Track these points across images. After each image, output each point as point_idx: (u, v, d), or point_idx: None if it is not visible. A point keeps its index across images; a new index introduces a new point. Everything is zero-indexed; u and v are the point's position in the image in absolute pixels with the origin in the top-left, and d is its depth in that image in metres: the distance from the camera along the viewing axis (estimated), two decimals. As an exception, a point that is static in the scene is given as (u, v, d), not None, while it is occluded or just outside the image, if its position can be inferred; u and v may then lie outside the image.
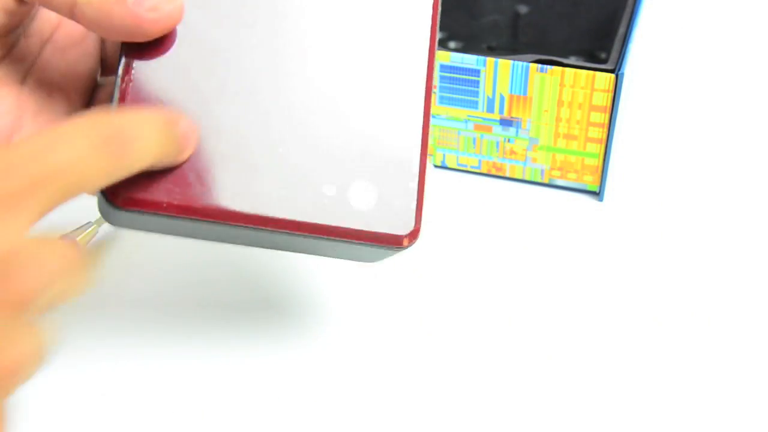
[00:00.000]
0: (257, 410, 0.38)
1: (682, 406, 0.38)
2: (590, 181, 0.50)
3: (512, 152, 0.50)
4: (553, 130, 0.49)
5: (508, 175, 0.52)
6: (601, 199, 0.50)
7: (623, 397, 0.38)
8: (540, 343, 0.41)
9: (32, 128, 0.34)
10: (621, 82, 0.46)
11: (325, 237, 0.33)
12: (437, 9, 0.35)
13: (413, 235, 0.34)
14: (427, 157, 0.35)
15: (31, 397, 0.39)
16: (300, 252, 0.36)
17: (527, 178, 0.51)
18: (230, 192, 0.32)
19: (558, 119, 0.48)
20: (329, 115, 0.34)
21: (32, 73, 0.35)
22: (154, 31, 0.32)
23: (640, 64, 0.59)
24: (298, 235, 0.33)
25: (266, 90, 0.33)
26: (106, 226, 0.48)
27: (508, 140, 0.50)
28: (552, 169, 0.50)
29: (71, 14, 0.31)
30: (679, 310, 0.43)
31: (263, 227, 0.33)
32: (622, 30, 0.50)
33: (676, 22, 0.66)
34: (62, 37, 0.36)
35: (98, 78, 0.37)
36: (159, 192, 0.31)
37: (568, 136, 0.49)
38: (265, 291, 0.44)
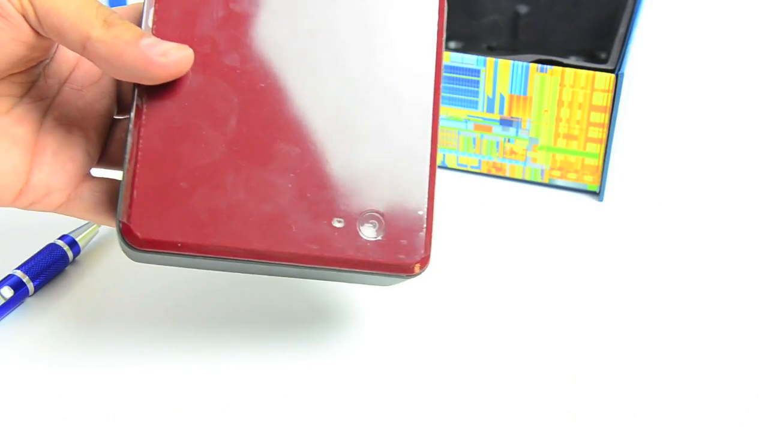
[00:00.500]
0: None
1: (681, 405, 0.38)
2: (590, 181, 0.50)
3: (512, 152, 0.50)
4: (553, 130, 0.49)
5: (508, 175, 0.52)
6: (601, 199, 0.50)
7: (623, 397, 0.38)
8: (540, 343, 0.41)
9: (53, 167, 0.35)
10: (621, 82, 0.46)
11: (337, 268, 0.34)
12: (442, 33, 0.36)
13: (424, 262, 0.34)
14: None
15: (40, 400, 0.39)
16: (314, 279, 0.37)
17: (527, 178, 0.51)
18: (242, 228, 0.33)
19: (558, 119, 0.48)
20: (336, 146, 0.34)
21: (51, 112, 0.36)
22: (162, 76, 0.33)
23: (640, 64, 0.59)
24: (311, 267, 0.34)
25: (273, 125, 0.34)
26: (106, 227, 0.48)
27: (508, 140, 0.50)
28: (552, 169, 0.50)
29: (83, 50, 0.32)
30: (679, 310, 0.43)
31: (276, 262, 0.33)
32: (622, 30, 0.50)
33: (676, 22, 0.66)
34: (80, 76, 0.37)
35: (115, 115, 0.38)
36: (174, 232, 0.33)
37: (568, 136, 0.49)
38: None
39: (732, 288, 0.44)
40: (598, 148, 0.49)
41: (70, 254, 0.45)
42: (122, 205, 0.33)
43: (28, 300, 0.43)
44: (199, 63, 0.34)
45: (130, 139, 0.33)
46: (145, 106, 0.33)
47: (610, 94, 0.47)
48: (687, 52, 0.63)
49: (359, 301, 0.43)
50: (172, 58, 0.33)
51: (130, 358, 0.40)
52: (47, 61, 0.36)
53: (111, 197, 0.36)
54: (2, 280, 0.42)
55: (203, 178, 0.33)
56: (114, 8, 0.35)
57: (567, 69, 0.47)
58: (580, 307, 0.43)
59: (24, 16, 0.32)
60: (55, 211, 0.36)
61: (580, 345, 0.41)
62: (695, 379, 0.39)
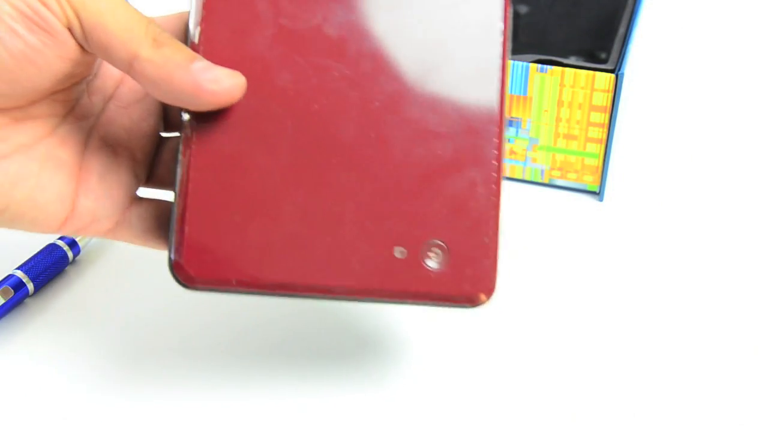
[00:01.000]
0: None
1: (681, 405, 0.38)
2: (590, 181, 0.50)
3: (512, 152, 0.50)
4: (553, 130, 0.49)
5: (508, 175, 0.52)
6: (601, 199, 0.50)
7: (623, 397, 0.38)
8: (540, 343, 0.41)
9: (99, 192, 0.33)
10: (621, 82, 0.46)
11: (399, 301, 0.32)
12: (506, 52, 0.33)
13: (490, 291, 0.33)
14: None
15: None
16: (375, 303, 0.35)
17: (527, 178, 0.51)
18: (299, 263, 0.31)
19: (558, 119, 0.48)
20: (395, 172, 0.32)
21: (96, 132, 0.34)
22: (211, 104, 0.31)
23: (640, 64, 0.59)
24: (371, 299, 0.32)
25: (329, 149, 0.32)
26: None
27: (508, 140, 0.50)
28: (552, 169, 0.50)
29: (130, 69, 0.30)
30: (679, 310, 0.43)
31: (334, 296, 0.32)
32: (622, 30, 0.50)
33: (676, 22, 0.66)
34: (125, 93, 0.35)
35: (162, 133, 0.36)
36: (228, 269, 0.31)
37: (568, 136, 0.49)
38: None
39: (732, 288, 0.44)
40: (598, 148, 0.49)
41: (70, 254, 0.45)
42: (173, 240, 0.31)
43: (28, 300, 0.43)
44: (250, 85, 0.31)
45: (179, 170, 0.31)
46: (194, 134, 0.31)
47: (610, 94, 0.47)
48: (687, 52, 0.63)
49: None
50: (223, 85, 0.30)
51: (130, 359, 0.40)
52: (91, 77, 0.34)
53: (160, 223, 0.34)
54: (2, 280, 0.42)
55: (256, 210, 0.31)
56: (159, 18, 0.33)
57: (567, 69, 0.47)
58: (581, 307, 0.43)
59: (69, 30, 0.29)
60: (102, 236, 0.34)
61: (580, 345, 0.41)
62: (695, 378, 0.39)
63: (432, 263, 0.32)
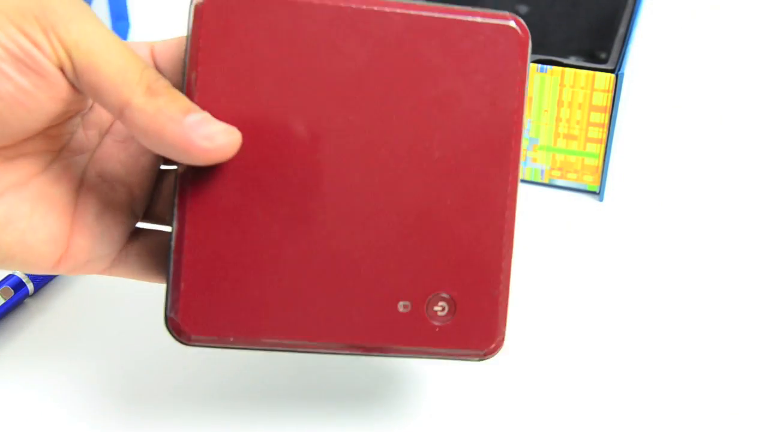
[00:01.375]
0: None
1: (681, 405, 0.38)
2: (590, 181, 0.50)
3: (512, 152, 0.50)
4: (553, 130, 0.49)
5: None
6: (601, 199, 0.50)
7: (623, 397, 0.38)
8: (540, 343, 0.41)
9: (94, 231, 0.31)
10: (621, 82, 0.46)
11: (403, 355, 0.32)
12: (522, 105, 0.32)
13: (498, 345, 0.32)
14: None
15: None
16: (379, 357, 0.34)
17: (527, 178, 0.51)
18: (299, 320, 0.31)
19: (558, 119, 0.48)
20: (400, 223, 0.31)
21: (91, 167, 0.32)
22: (202, 161, 0.29)
23: (640, 64, 0.59)
24: (374, 354, 0.31)
25: (329, 202, 0.31)
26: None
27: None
28: (552, 169, 0.50)
29: (120, 116, 0.28)
30: (679, 310, 0.43)
31: (335, 352, 0.31)
32: (622, 30, 0.50)
33: (676, 22, 0.66)
34: (122, 127, 0.33)
35: (162, 166, 0.34)
36: (225, 327, 0.30)
37: (568, 136, 0.49)
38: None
39: (732, 288, 0.44)
40: (598, 148, 0.49)
41: (70, 254, 0.45)
42: (168, 297, 0.30)
43: (28, 300, 0.43)
44: (248, 134, 0.30)
45: (174, 224, 0.30)
46: (189, 186, 0.30)
47: (610, 94, 0.47)
48: (687, 52, 0.63)
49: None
50: (217, 143, 0.29)
51: (130, 359, 0.40)
52: (86, 110, 0.32)
53: (158, 260, 0.33)
54: (2, 280, 0.42)
55: (255, 265, 0.30)
56: (159, 43, 0.32)
57: (567, 69, 0.47)
58: (580, 307, 0.43)
59: (61, 70, 0.28)
60: (99, 274, 0.33)
61: (579, 344, 0.41)
62: (695, 378, 0.39)
63: (437, 317, 0.31)
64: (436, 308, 0.31)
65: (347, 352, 0.31)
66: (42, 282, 0.43)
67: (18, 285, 0.42)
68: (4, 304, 0.42)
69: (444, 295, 0.31)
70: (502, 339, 0.32)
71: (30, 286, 0.43)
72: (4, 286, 0.42)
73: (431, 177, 0.31)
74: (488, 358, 0.32)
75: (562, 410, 0.38)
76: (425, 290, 0.31)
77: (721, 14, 0.67)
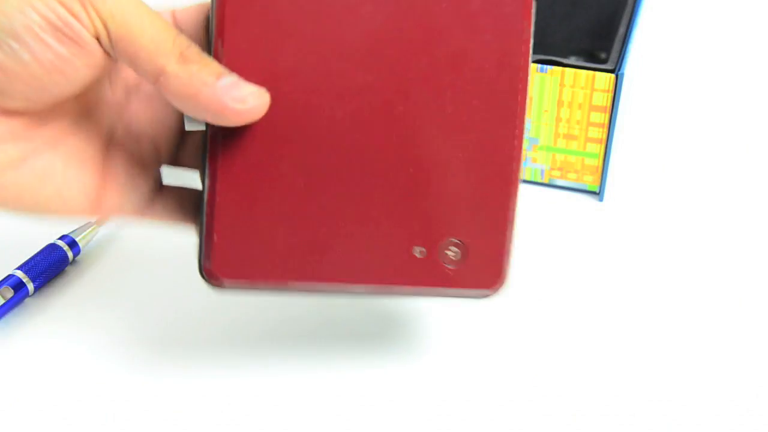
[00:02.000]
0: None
1: (681, 405, 0.38)
2: (590, 181, 0.50)
3: (512, 152, 0.50)
4: (553, 130, 0.49)
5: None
6: (601, 199, 0.50)
7: (622, 397, 0.38)
8: (539, 343, 0.41)
9: (124, 188, 0.34)
10: (621, 82, 0.46)
11: (415, 294, 0.34)
12: (528, 53, 0.34)
13: (501, 283, 0.35)
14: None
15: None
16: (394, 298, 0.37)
17: (527, 178, 0.51)
18: (323, 263, 0.33)
19: (558, 119, 0.48)
20: (415, 174, 0.33)
21: (119, 125, 0.34)
22: (235, 122, 0.31)
23: (640, 64, 0.59)
24: (390, 292, 0.34)
25: (351, 155, 0.33)
26: (106, 226, 0.48)
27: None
28: (552, 169, 0.50)
29: (155, 82, 0.30)
30: (679, 310, 0.43)
31: (356, 293, 0.34)
32: (622, 30, 0.50)
33: (676, 22, 0.66)
34: (147, 85, 0.35)
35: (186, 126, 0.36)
36: (256, 273, 0.33)
37: (568, 136, 0.49)
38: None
39: (732, 288, 0.44)
40: (598, 148, 0.49)
41: (70, 254, 0.45)
42: (202, 247, 0.33)
43: (28, 300, 0.43)
44: (275, 92, 0.32)
45: (207, 181, 0.32)
46: (219, 146, 0.32)
47: (610, 94, 0.47)
48: (687, 52, 0.63)
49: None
50: (248, 105, 0.31)
51: (130, 359, 0.40)
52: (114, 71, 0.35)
53: (186, 211, 0.35)
54: (2, 280, 0.42)
55: (282, 216, 0.33)
56: (179, 10, 0.33)
57: (567, 69, 0.47)
58: (580, 307, 0.43)
59: (98, 40, 0.30)
60: (132, 217, 0.35)
61: (580, 344, 0.41)
62: (695, 378, 0.39)
63: (449, 261, 0.34)
64: (449, 252, 0.34)
65: (368, 293, 0.34)
66: (42, 282, 0.43)
67: (18, 285, 0.42)
68: (4, 304, 0.42)
69: (456, 240, 0.34)
70: (506, 278, 0.35)
71: (30, 286, 0.43)
72: (4, 286, 0.42)
73: (444, 130, 0.33)
74: (494, 295, 0.35)
75: (559, 406, 0.38)
76: (439, 235, 0.34)
77: (721, 14, 0.67)
